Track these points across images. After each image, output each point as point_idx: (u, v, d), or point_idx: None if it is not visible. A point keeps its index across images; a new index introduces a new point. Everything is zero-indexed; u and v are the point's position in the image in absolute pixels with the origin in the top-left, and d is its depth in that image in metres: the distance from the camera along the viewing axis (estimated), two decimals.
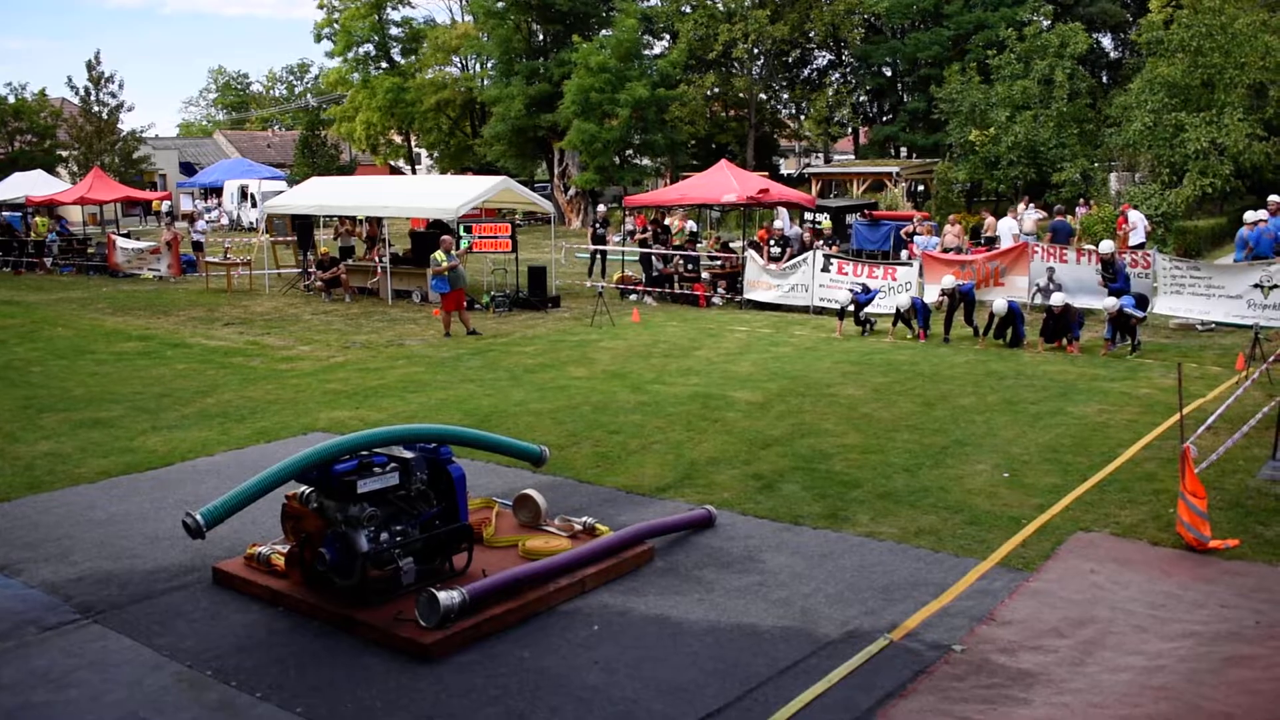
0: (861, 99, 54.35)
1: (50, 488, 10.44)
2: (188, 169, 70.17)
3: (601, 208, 31.66)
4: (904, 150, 51.36)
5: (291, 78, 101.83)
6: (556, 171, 51.57)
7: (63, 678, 6.62)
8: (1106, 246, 18.27)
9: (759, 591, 7.71)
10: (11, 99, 55.40)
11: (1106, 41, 51.96)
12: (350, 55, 62.03)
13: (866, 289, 19.86)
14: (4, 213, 37.75)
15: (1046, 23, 40.71)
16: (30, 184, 37.22)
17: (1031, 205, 27.65)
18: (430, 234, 26.38)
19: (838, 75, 54.77)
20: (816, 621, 7.19)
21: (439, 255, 19.67)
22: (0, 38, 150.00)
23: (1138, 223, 23.88)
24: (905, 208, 37.93)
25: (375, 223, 26.38)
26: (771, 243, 23.63)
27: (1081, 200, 30.96)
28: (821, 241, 24.01)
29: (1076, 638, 6.88)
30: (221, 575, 8.01)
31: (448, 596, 6.93)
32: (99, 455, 11.56)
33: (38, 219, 36.11)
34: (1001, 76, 35.03)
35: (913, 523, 9.04)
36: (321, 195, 26.65)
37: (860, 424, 12.45)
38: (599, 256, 27.75)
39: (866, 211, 31.26)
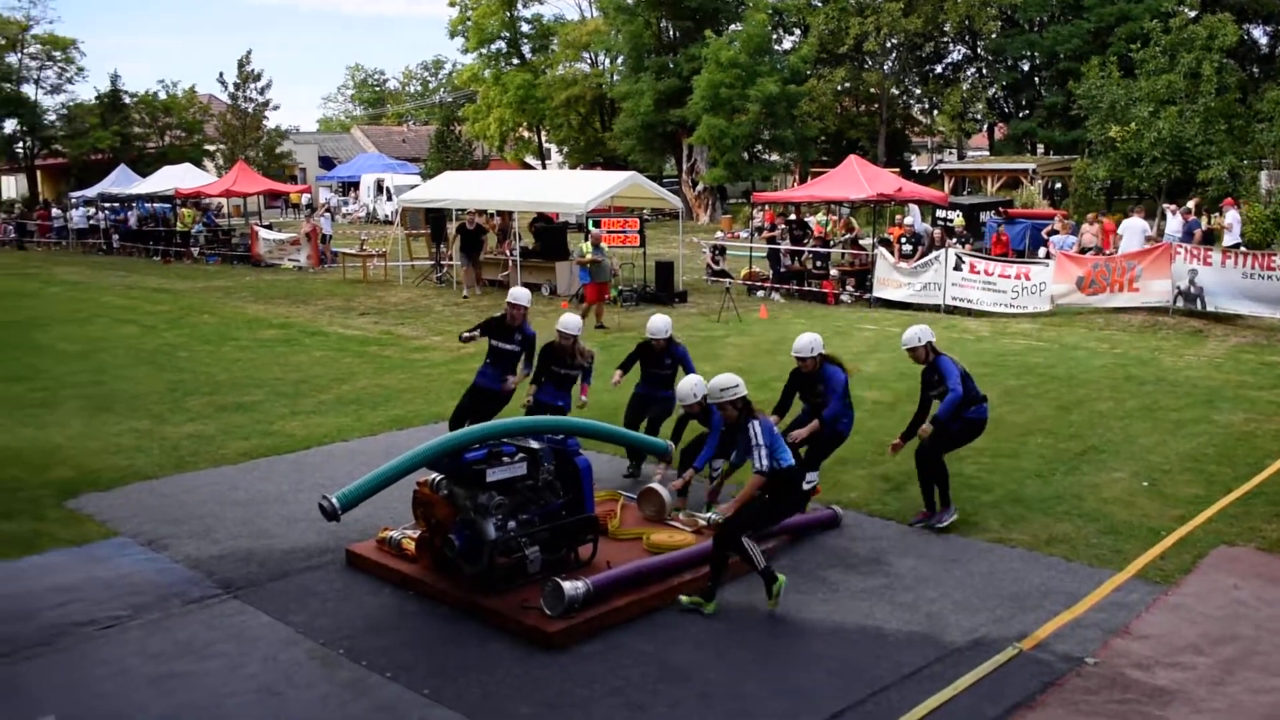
0: (997, 94, 53.05)
1: (195, 467, 10.88)
2: (326, 163, 72.16)
3: (715, 245, 31.36)
4: (1041, 147, 50.01)
5: (426, 74, 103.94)
6: (685, 167, 51.59)
7: (204, 649, 6.89)
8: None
9: (884, 594, 7.62)
10: (163, 95, 57.80)
11: (1258, 33, 49.72)
12: (483, 52, 63.05)
13: None
14: (154, 204, 39.42)
15: (1193, 14, 39.17)
16: (179, 177, 38.82)
17: (1178, 208, 26.36)
18: (557, 228, 26.67)
19: (972, 70, 53.59)
20: (943, 627, 7.08)
21: (585, 246, 19.87)
22: (144, 35, 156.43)
23: (1233, 222, 22.81)
24: (1042, 206, 36.93)
25: (506, 216, 26.78)
26: (903, 240, 23.26)
27: (1230, 200, 29.73)
28: (955, 240, 23.52)
29: (1217, 655, 6.62)
30: (354, 557, 8.24)
31: (572, 586, 7.00)
32: (240, 438, 11.98)
33: (184, 210, 37.57)
34: (1145, 71, 33.81)
35: (1045, 530, 8.81)
36: (454, 189, 27.12)
37: (991, 427, 12.10)
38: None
39: (1001, 209, 30.49)
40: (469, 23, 61.71)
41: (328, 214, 36.62)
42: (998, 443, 11.44)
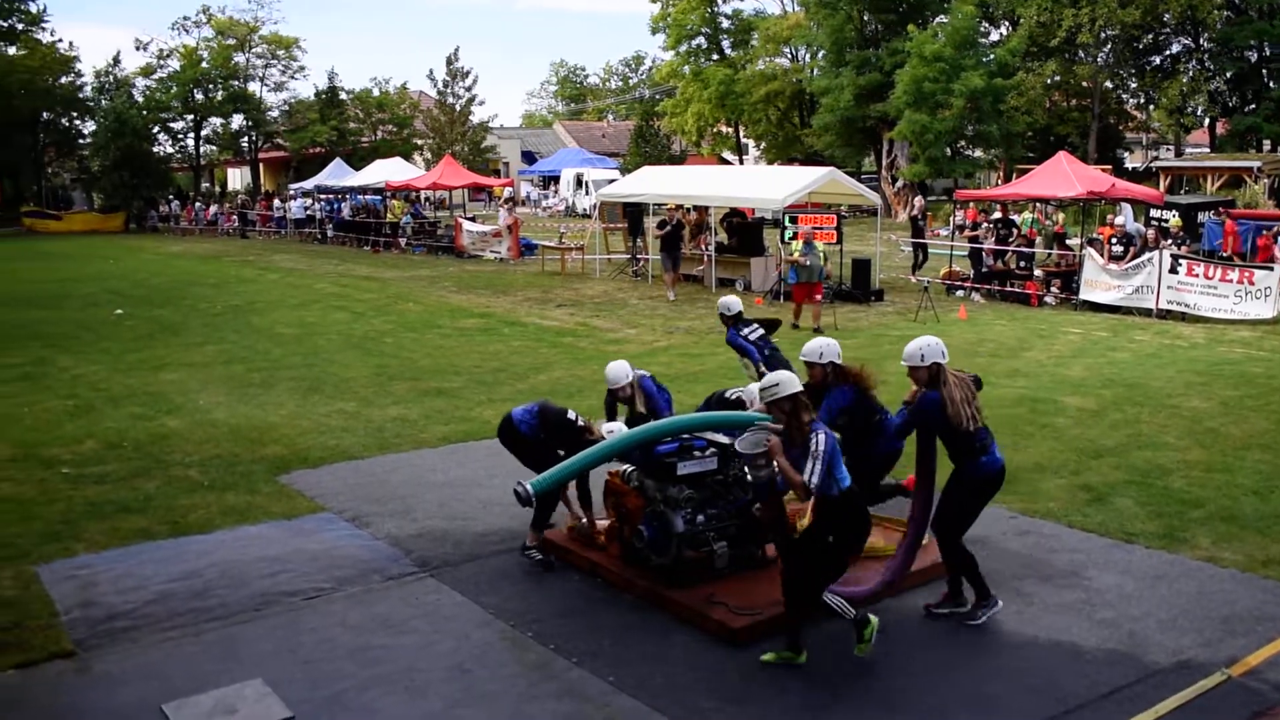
0: (1219, 87, 49.99)
1: (397, 449, 11.32)
2: (529, 158, 74.01)
3: (919, 200, 30.84)
4: (1267, 143, 46.97)
5: (626, 69, 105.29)
6: (885, 163, 50.71)
7: (400, 625, 7.16)
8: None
9: (1082, 610, 7.30)
10: (376, 91, 60.40)
11: None
12: (682, 48, 63.43)
13: None
14: (366, 196, 41.24)
15: None
16: (389, 170, 40.49)
17: None
18: (753, 224, 26.55)
19: (1193, 62, 50.69)
20: (1145, 647, 6.73)
21: (795, 245, 19.70)
22: (359, 35, 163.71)
23: None
24: (1267, 206, 34.71)
25: (703, 212, 26.85)
26: (1113, 240, 22.24)
27: None
28: (1170, 241, 22.35)
29: None
30: (546, 543, 8.40)
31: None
32: (441, 422, 12.39)
33: (394, 202, 39.13)
34: None
35: (1261, 550, 8.26)
36: (651, 184, 27.38)
37: (1205, 439, 11.51)
38: (921, 251, 27.32)
39: (1221, 209, 28.84)
40: (669, 19, 62.16)
41: (508, 204, 37.58)
42: (1211, 456, 10.80)
